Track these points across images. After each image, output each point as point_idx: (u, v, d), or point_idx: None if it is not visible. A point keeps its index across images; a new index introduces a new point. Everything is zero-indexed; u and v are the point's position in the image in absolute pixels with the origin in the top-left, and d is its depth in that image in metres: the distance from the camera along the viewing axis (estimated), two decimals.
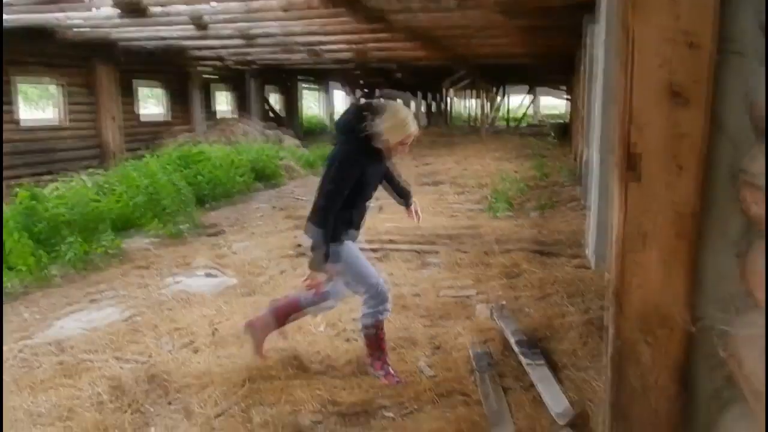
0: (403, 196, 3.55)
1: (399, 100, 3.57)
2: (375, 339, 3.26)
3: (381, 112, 3.00)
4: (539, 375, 3.10)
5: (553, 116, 38.77)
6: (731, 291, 1.54)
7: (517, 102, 35.13)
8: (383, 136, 3.00)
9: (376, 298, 3.20)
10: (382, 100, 3.16)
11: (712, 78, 1.46)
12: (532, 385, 3.12)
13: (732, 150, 1.50)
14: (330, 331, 4.03)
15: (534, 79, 28.45)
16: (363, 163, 3.04)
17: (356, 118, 3.05)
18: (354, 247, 3.23)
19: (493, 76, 24.15)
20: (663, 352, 1.60)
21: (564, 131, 20.34)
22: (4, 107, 11.15)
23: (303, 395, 3.09)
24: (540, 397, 2.92)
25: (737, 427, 1.47)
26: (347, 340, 3.86)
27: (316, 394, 3.12)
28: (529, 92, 31.51)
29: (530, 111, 34.16)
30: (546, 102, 44.23)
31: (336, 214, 3.01)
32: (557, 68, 17.98)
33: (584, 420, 2.67)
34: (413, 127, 3.06)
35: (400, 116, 3.03)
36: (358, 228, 3.26)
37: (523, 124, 30.32)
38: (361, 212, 3.25)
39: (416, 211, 3.59)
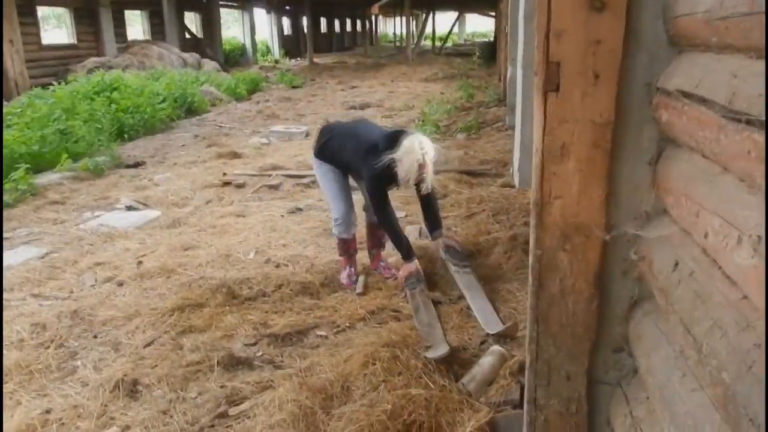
0: (430, 225, 3.63)
1: (414, 138, 3.65)
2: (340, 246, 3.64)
3: (399, 156, 3.11)
4: (466, 282, 3.23)
5: (479, 36, 38.69)
6: (643, 198, 1.60)
7: (444, 23, 34.76)
8: (402, 177, 3.18)
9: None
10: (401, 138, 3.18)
11: None
12: (460, 297, 3.24)
13: (647, 58, 1.52)
14: (259, 258, 4.00)
15: (463, 4, 28.12)
16: (384, 182, 3.28)
17: (377, 152, 3.18)
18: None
19: (422, 1, 23.63)
20: (580, 258, 1.66)
21: (491, 52, 20.36)
22: None
23: (234, 321, 3.09)
24: (469, 308, 3.03)
25: (646, 321, 1.57)
26: (277, 266, 3.84)
27: (248, 319, 3.12)
28: (458, 17, 31.20)
29: (456, 31, 33.87)
30: (473, 22, 43.98)
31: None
32: None
33: (513, 331, 2.81)
34: (428, 164, 3.16)
35: (414, 161, 3.10)
36: None
37: (449, 45, 30.09)
38: None
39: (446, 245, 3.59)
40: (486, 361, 2.44)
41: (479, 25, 45.25)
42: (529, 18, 4.95)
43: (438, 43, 30.43)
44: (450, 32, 31.16)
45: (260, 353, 2.81)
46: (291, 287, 3.49)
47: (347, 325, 3.01)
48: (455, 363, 2.55)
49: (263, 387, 2.51)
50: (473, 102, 11.07)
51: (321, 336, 2.94)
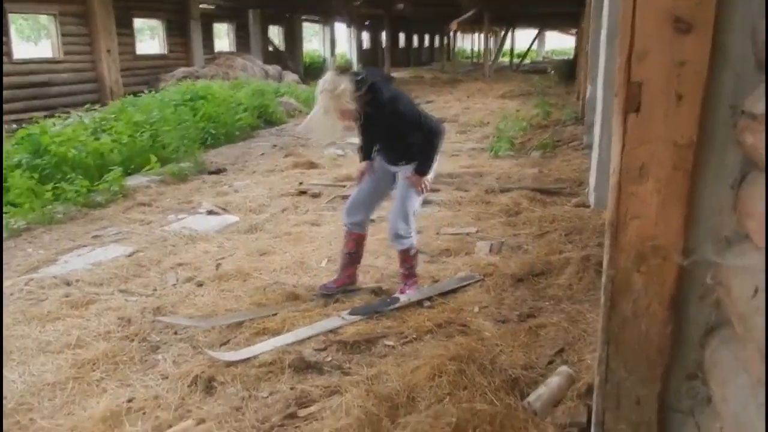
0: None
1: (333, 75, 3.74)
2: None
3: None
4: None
5: (558, 53, 38.06)
6: (724, 223, 1.57)
7: (523, 40, 34.46)
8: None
9: None
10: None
11: (717, 3, 1.44)
12: (529, 316, 3.23)
13: (734, 80, 1.50)
14: (331, 266, 4.11)
15: (543, 22, 27.82)
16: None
17: None
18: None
19: (501, 17, 23.53)
20: (655, 280, 1.65)
21: (569, 70, 20.01)
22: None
23: (305, 326, 3.19)
24: (535, 328, 3.02)
25: (723, 348, 1.53)
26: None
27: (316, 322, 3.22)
28: (538, 34, 30.90)
29: (535, 48, 33.48)
30: (553, 40, 43.33)
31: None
32: (567, 1, 17.46)
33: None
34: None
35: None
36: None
37: (527, 62, 29.76)
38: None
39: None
40: (553, 381, 2.42)
41: (559, 42, 44.54)
42: (611, 37, 4.88)
43: (516, 60, 30.17)
44: (529, 49, 30.84)
45: (329, 359, 2.90)
46: (360, 296, 3.58)
47: (414, 336, 3.06)
48: (522, 381, 2.54)
49: (331, 391, 2.59)
50: (550, 120, 10.92)
51: (388, 346, 3.00)
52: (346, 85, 3.06)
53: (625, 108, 1.58)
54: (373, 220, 5.19)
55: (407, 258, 3.53)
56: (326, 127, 3.20)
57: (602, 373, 1.77)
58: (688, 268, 1.63)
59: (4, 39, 11.07)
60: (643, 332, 1.69)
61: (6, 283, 3.98)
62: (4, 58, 11.12)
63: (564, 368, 2.52)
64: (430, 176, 3.42)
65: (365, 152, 3.63)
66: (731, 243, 1.58)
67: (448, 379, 2.49)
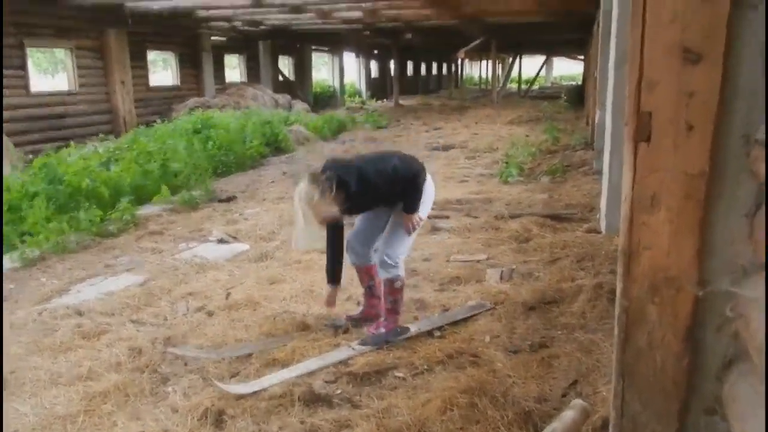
0: None
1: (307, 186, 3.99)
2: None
3: None
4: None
5: (566, 79, 38.28)
6: (739, 252, 1.54)
7: (530, 66, 34.69)
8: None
9: None
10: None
11: (726, 33, 1.43)
12: (542, 346, 3.17)
13: (746, 110, 1.48)
14: (341, 295, 4.07)
15: (551, 48, 28.03)
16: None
17: None
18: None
19: (508, 45, 23.74)
20: (670, 312, 1.61)
21: (578, 94, 20.08)
22: (17, 72, 11.18)
23: (314, 357, 3.15)
24: (547, 359, 2.96)
25: (742, 382, 1.49)
26: (358, 303, 3.90)
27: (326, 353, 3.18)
28: (546, 61, 31.11)
29: (543, 74, 33.67)
30: (561, 66, 43.60)
31: None
32: (574, 28, 17.57)
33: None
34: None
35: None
36: None
37: (535, 88, 29.91)
38: None
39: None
40: (567, 415, 2.36)
41: (566, 68, 44.80)
42: (619, 65, 4.88)
43: (524, 86, 30.34)
44: (537, 76, 31.03)
45: (339, 391, 2.85)
46: (370, 326, 3.54)
47: (425, 367, 3.01)
48: (535, 415, 2.48)
49: (341, 425, 2.55)
50: (559, 145, 10.92)
51: (399, 377, 2.95)
52: (320, 193, 3.04)
53: (635, 137, 1.56)
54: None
55: (392, 290, 3.39)
56: (313, 236, 3.24)
57: (617, 407, 1.73)
58: (703, 299, 1.60)
59: (21, 72, 11.29)
60: (659, 365, 1.65)
61: (20, 313, 3.99)
62: (22, 91, 11.33)
63: (578, 401, 2.46)
64: (423, 213, 3.43)
65: (332, 272, 3.56)
66: (748, 273, 1.54)
67: (460, 413, 2.43)
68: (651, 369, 1.67)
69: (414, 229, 3.40)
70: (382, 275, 3.39)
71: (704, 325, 1.61)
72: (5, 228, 5.48)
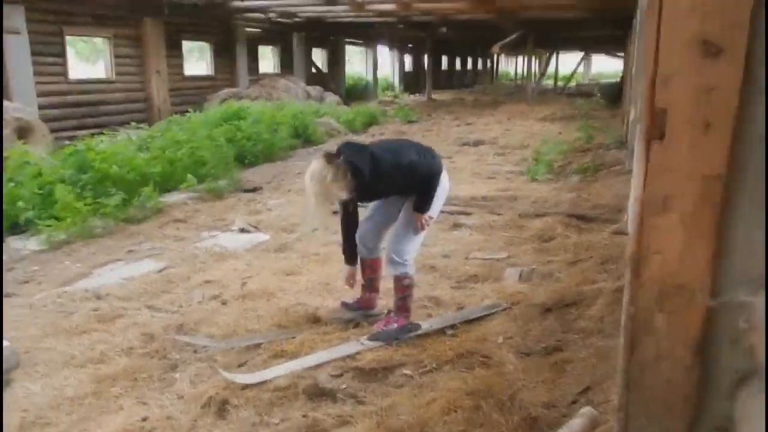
0: None
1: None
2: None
3: None
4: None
5: (606, 76, 37.49)
6: (758, 261, 1.43)
7: (568, 63, 34.09)
8: None
9: None
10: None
11: (750, 26, 1.32)
12: (555, 349, 3.07)
13: (767, 107, 1.38)
14: (357, 289, 4.02)
15: (589, 45, 27.44)
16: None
17: None
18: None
19: (545, 40, 23.31)
20: (679, 321, 1.51)
21: (616, 93, 19.62)
22: (56, 60, 11.41)
23: (322, 350, 3.11)
24: (560, 363, 2.87)
25: (754, 401, 1.39)
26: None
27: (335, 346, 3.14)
28: (583, 57, 30.52)
29: (581, 71, 33.06)
30: (600, 63, 42.73)
31: None
32: (613, 25, 17.14)
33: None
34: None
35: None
36: None
37: (572, 85, 29.38)
38: None
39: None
40: (576, 423, 2.27)
41: (606, 65, 43.86)
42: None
43: (560, 83, 29.82)
44: (574, 72, 30.43)
45: (344, 386, 2.81)
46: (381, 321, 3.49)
47: (434, 366, 2.94)
48: (542, 421, 2.40)
49: (343, 421, 2.50)
50: (592, 143, 10.68)
51: (406, 375, 2.89)
52: (332, 175, 2.99)
53: (648, 135, 1.47)
54: None
55: (400, 287, 3.37)
56: (323, 217, 3.19)
57: (621, 420, 1.64)
58: (716, 310, 1.49)
59: (59, 60, 11.52)
60: (666, 378, 1.55)
61: (40, 295, 4.05)
62: (61, 78, 11.56)
63: (588, 409, 2.37)
64: (433, 212, 3.35)
65: (349, 254, 3.53)
66: (766, 285, 1.43)
67: (464, 416, 2.36)
68: (658, 382, 1.58)
69: (423, 228, 3.33)
70: (390, 272, 3.35)
71: (716, 337, 1.51)
72: (34, 211, 5.58)
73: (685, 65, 1.38)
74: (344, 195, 3.07)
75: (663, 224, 1.49)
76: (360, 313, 3.60)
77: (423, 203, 3.27)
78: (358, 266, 3.58)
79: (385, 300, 3.73)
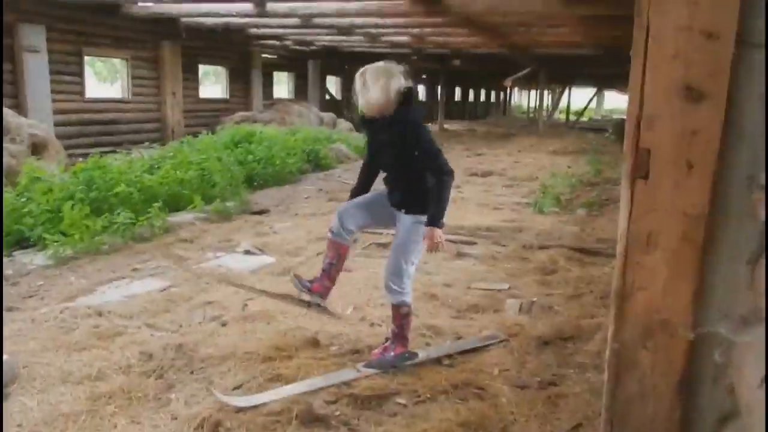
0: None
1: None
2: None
3: None
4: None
5: (618, 112, 37.65)
6: (739, 300, 1.46)
7: (581, 97, 34.29)
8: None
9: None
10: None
11: (731, 73, 1.37)
12: (551, 384, 3.07)
13: (749, 151, 1.42)
14: (356, 315, 4.06)
15: (601, 81, 27.63)
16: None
17: None
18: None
19: (558, 75, 23.54)
20: (663, 358, 1.54)
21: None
22: (74, 79, 11.67)
23: (318, 375, 3.13)
24: (554, 398, 2.86)
25: None
26: (371, 324, 3.88)
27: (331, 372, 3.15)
28: (596, 93, 30.70)
29: (593, 106, 33.21)
30: (613, 99, 42.92)
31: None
32: (625, 62, 17.30)
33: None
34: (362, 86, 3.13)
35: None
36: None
37: (584, 120, 29.52)
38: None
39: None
40: None
41: (619, 101, 44.05)
42: None
43: (572, 117, 29.99)
44: (586, 107, 30.64)
45: (338, 413, 2.81)
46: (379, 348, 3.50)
47: (428, 396, 2.94)
48: None
49: None
50: (600, 178, 10.72)
51: (400, 404, 2.90)
52: (389, 78, 3.01)
53: (633, 174, 1.51)
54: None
55: (398, 315, 3.26)
56: (381, 94, 3.04)
57: None
58: (699, 348, 1.52)
59: (77, 79, 11.79)
60: (650, 415, 1.57)
61: (43, 310, 4.09)
62: (78, 97, 11.80)
63: None
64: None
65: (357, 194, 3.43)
66: (747, 323, 1.46)
67: None
68: (642, 419, 1.60)
69: (436, 249, 3.11)
70: (389, 299, 3.29)
71: (699, 375, 1.53)
72: (42, 226, 5.67)
73: (668, 108, 1.44)
74: (383, 104, 3.02)
75: (647, 261, 1.53)
76: (314, 297, 3.42)
77: (438, 210, 3.02)
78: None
79: (384, 327, 3.75)
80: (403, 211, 3.18)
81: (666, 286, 1.50)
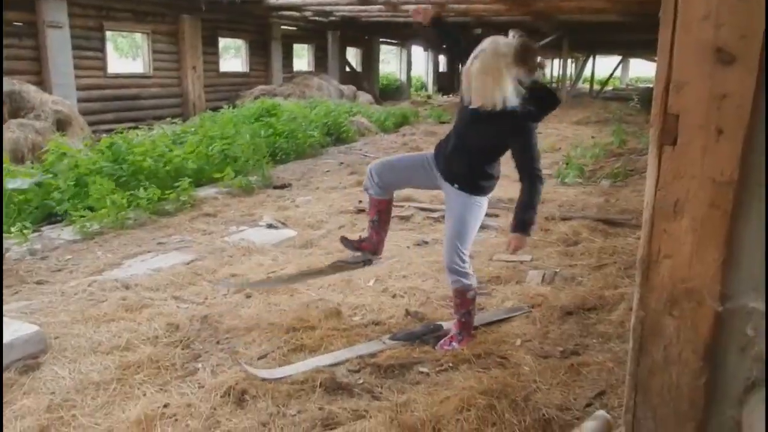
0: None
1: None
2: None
3: None
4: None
5: (644, 81, 36.84)
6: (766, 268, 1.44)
7: (605, 67, 33.56)
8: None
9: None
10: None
11: (763, 34, 1.33)
12: (573, 353, 3.07)
13: None
14: (378, 286, 4.09)
15: (627, 49, 26.97)
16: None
17: None
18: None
19: (581, 43, 23.02)
20: (689, 326, 1.53)
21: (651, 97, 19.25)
22: (96, 54, 11.74)
23: (342, 345, 3.17)
24: (577, 366, 2.87)
25: (761, 409, 1.39)
26: (393, 296, 3.90)
27: (356, 345, 3.19)
28: (621, 61, 30.02)
29: (618, 74, 32.53)
30: (638, 67, 41.90)
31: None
32: (652, 29, 16.84)
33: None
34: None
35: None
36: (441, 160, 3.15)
37: (609, 89, 28.95)
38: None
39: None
40: (588, 426, 2.27)
41: (645, 70, 43.01)
42: None
43: (596, 87, 29.41)
44: (611, 76, 29.98)
45: (361, 381, 2.86)
46: (402, 318, 3.53)
47: (451, 365, 2.97)
48: (554, 423, 2.41)
49: (358, 416, 2.55)
50: (625, 148, 10.54)
51: (423, 372, 2.93)
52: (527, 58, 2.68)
53: (660, 140, 1.49)
54: (427, 242, 5.14)
55: (464, 300, 3.08)
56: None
57: (629, 422, 1.65)
58: (727, 316, 1.50)
59: (99, 54, 11.86)
60: (674, 382, 1.57)
61: (71, 284, 4.19)
62: (100, 72, 11.88)
63: (601, 413, 2.37)
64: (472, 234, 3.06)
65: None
66: None
67: (477, 414, 2.39)
68: (666, 386, 1.59)
69: (515, 253, 2.99)
70: (451, 284, 3.09)
71: (725, 343, 1.52)
72: (70, 201, 5.77)
73: (698, 72, 1.40)
74: (506, 72, 2.70)
75: (673, 229, 1.50)
76: (366, 255, 3.44)
77: (530, 218, 2.79)
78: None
79: (406, 298, 3.78)
80: (457, 186, 2.99)
81: (693, 254, 1.48)
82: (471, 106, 2.91)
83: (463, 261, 3.03)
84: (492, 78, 2.74)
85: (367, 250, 3.44)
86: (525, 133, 2.80)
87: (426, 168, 3.16)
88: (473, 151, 2.95)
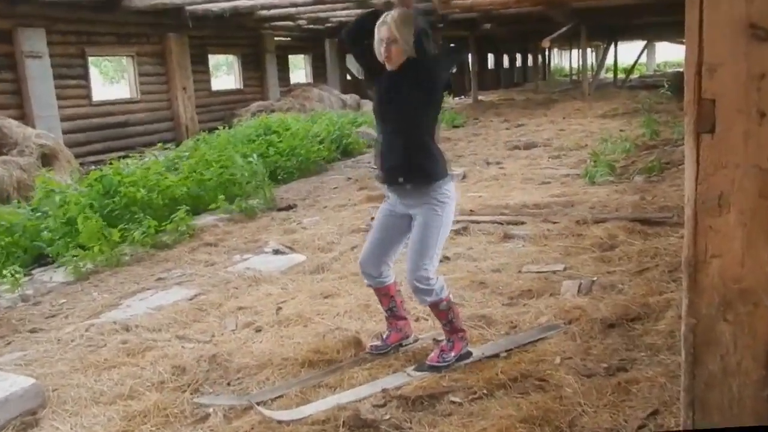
0: None
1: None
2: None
3: None
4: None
5: (672, 66, 36.74)
6: None
7: (628, 53, 33.55)
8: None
9: None
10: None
11: None
12: (619, 369, 3.03)
13: None
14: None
15: (651, 32, 26.94)
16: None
17: None
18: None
19: (601, 30, 23.04)
20: (746, 331, 1.50)
21: (683, 82, 19.16)
22: (79, 82, 11.94)
23: (363, 379, 3.15)
24: (625, 384, 2.83)
25: None
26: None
27: (379, 377, 3.17)
28: (646, 46, 29.97)
29: (643, 61, 32.45)
30: (665, 51, 41.85)
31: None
32: (677, 9, 16.77)
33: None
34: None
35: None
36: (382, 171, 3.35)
37: (635, 77, 28.89)
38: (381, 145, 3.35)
39: None
40: None
41: (672, 54, 42.88)
42: None
43: (621, 76, 29.37)
44: (635, 63, 29.94)
45: (388, 416, 2.83)
46: (430, 343, 3.51)
47: (485, 391, 2.94)
48: None
49: None
50: (658, 140, 10.49)
51: (455, 402, 2.90)
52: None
53: (696, 129, 1.47)
54: (449, 258, 5.12)
55: (440, 313, 3.23)
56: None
57: None
58: None
59: (82, 82, 12.06)
60: (735, 395, 1.54)
61: (67, 330, 4.21)
62: (84, 101, 12.07)
63: None
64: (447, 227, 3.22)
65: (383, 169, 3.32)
66: None
67: None
68: (726, 400, 1.56)
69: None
70: (421, 302, 3.27)
71: None
72: (60, 240, 5.83)
73: (732, 51, 1.39)
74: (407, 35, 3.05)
75: (720, 225, 1.49)
76: (393, 348, 3.49)
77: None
78: None
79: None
80: (402, 180, 3.16)
81: (744, 251, 1.46)
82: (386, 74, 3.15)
83: (428, 278, 3.11)
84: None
85: (398, 341, 3.51)
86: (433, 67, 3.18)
87: (391, 208, 3.34)
88: (399, 127, 3.15)
